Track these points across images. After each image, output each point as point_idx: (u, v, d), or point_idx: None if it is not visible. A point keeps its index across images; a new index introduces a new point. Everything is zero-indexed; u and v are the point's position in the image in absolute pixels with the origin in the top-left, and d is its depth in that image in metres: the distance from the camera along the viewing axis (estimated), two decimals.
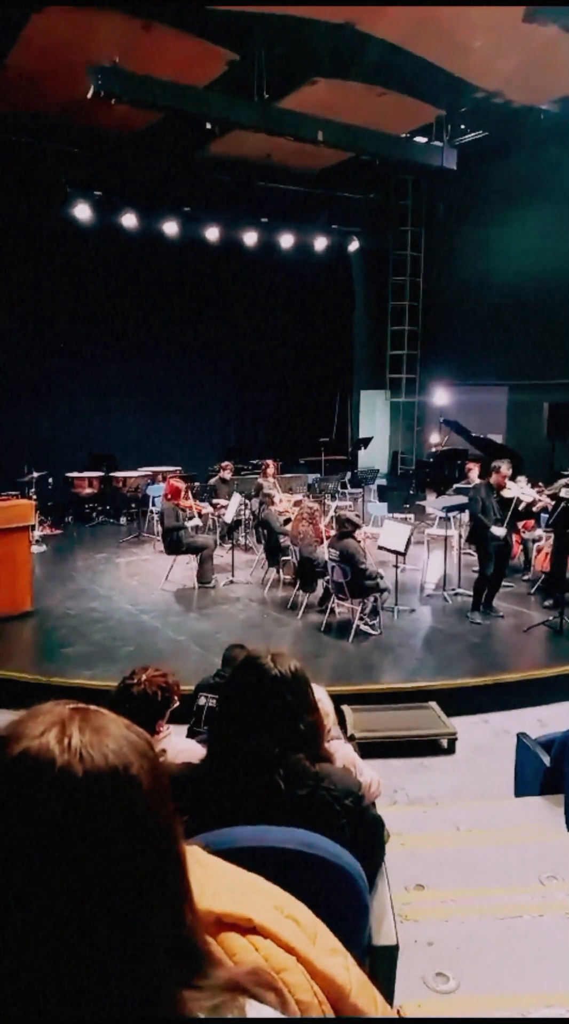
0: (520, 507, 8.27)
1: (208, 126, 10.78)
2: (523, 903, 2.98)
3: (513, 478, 8.54)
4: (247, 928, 0.94)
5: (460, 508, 9.32)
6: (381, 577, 7.70)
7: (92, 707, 0.74)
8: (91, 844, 0.65)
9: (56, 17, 8.88)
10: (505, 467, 8.02)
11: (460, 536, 9.99)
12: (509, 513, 7.92)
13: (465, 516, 10.11)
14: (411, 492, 14.73)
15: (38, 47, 9.57)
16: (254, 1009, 0.72)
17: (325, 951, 1.02)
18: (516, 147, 13.59)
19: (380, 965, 1.89)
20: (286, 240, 15.75)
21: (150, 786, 0.70)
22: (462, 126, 12.89)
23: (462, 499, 9.26)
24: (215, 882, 0.97)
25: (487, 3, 8.77)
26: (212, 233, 14.80)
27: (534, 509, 9.32)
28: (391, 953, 1.93)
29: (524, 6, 8.81)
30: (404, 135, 12.68)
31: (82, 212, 13.28)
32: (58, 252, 13.42)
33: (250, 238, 15.32)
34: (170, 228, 14.30)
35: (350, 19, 9.23)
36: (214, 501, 11.12)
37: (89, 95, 9.06)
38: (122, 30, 9.05)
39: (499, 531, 7.80)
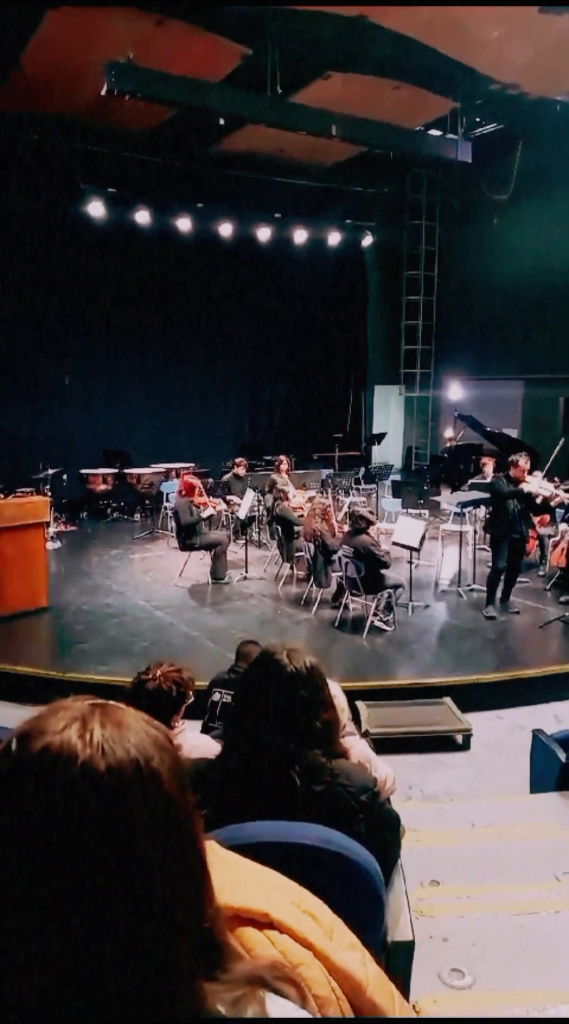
0: (537, 501, 8.23)
1: (221, 122, 10.77)
2: (539, 899, 2.97)
3: (529, 473, 8.50)
4: (264, 923, 0.95)
5: (475, 503, 9.29)
6: (388, 553, 7.69)
7: (111, 702, 0.75)
8: (114, 838, 0.65)
9: (70, 14, 8.90)
10: (523, 460, 7.96)
11: (475, 532, 9.96)
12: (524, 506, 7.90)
13: (480, 512, 10.08)
14: (425, 488, 14.68)
15: (52, 45, 9.59)
16: (274, 1003, 0.73)
17: (342, 946, 1.02)
18: (532, 139, 13.48)
19: (396, 961, 1.89)
20: (300, 235, 15.71)
21: (171, 779, 0.71)
22: (477, 119, 12.80)
23: (477, 495, 9.23)
24: (232, 877, 0.97)
25: (493, 3, 8.69)
26: (225, 229, 14.78)
27: (552, 504, 9.27)
28: (407, 949, 1.93)
29: (531, 5, 8.73)
30: (418, 128, 12.61)
31: (96, 209, 13.31)
32: (72, 249, 13.46)
33: (264, 234, 15.30)
34: (184, 224, 14.30)
35: (363, 13, 9.19)
36: (228, 497, 11.13)
37: (103, 92, 9.07)
38: (135, 26, 9.04)
39: (534, 484, 7.77)
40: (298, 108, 10.93)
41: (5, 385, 13.01)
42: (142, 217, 13.86)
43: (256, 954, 0.88)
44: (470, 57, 10.52)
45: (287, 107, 10.73)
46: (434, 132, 12.61)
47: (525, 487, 7.89)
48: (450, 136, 12.27)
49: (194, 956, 0.70)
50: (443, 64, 10.56)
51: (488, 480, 9.44)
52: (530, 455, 8.55)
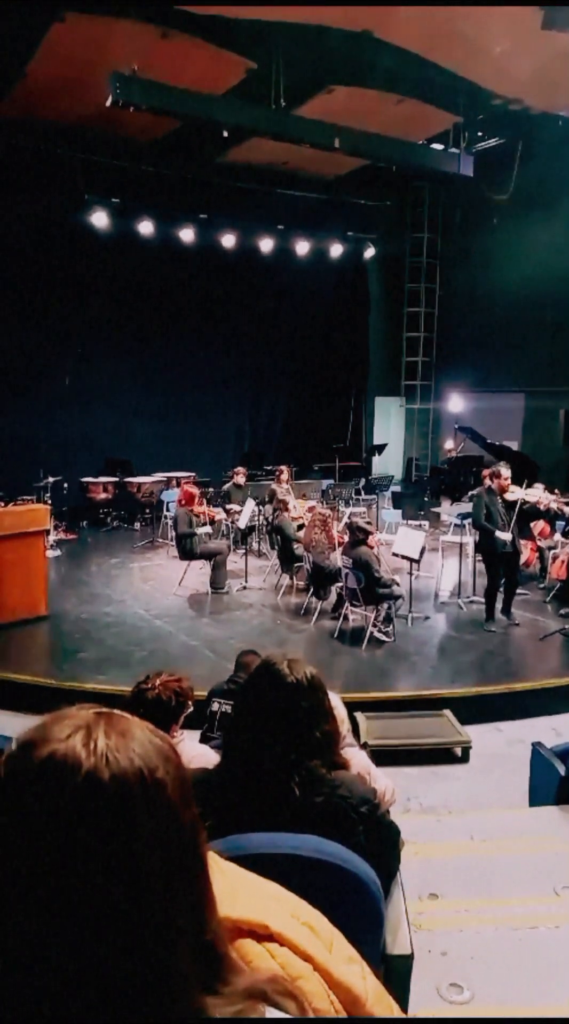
0: (525, 507, 8.24)
1: (224, 134, 10.83)
2: (538, 914, 2.96)
3: (530, 486, 8.51)
4: (264, 935, 0.94)
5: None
6: (396, 584, 7.69)
7: (116, 711, 0.75)
8: (117, 847, 0.65)
9: (75, 26, 8.97)
10: (505, 470, 7.99)
11: (475, 543, 9.95)
12: (514, 516, 7.90)
13: None
14: (426, 499, 14.69)
15: (58, 55, 9.65)
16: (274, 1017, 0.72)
17: (341, 959, 1.01)
18: (533, 154, 13.56)
19: (394, 975, 1.87)
20: (302, 247, 15.78)
21: (175, 790, 0.71)
22: (479, 133, 12.87)
23: None
24: (231, 888, 0.97)
25: (489, 3, 8.68)
26: (228, 240, 14.85)
27: (541, 508, 9.27)
28: (406, 963, 1.92)
29: (532, 6, 8.73)
30: (421, 142, 12.68)
31: (100, 219, 13.38)
32: (76, 259, 13.52)
33: (266, 245, 15.37)
34: (187, 235, 14.37)
35: (367, 27, 9.25)
36: (228, 507, 11.14)
37: (108, 103, 9.13)
38: (141, 38, 9.11)
39: (504, 535, 7.75)
40: (301, 121, 10.99)
41: (7, 393, 13.04)
42: (145, 227, 13.92)
43: (255, 966, 0.88)
44: (472, 72, 10.60)
45: (291, 120, 10.79)
46: (436, 146, 12.67)
47: (510, 496, 7.92)
48: (452, 150, 12.34)
49: (195, 968, 0.69)
50: (446, 79, 10.63)
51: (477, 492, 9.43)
52: (530, 467, 8.57)
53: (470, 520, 8.93)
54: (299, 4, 8.69)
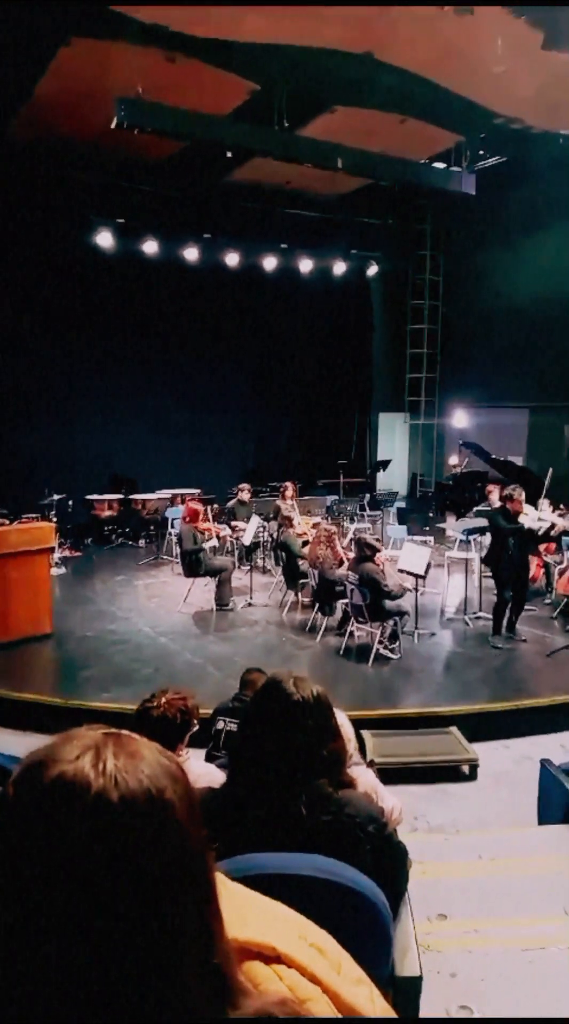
0: (540, 533, 8.25)
1: (228, 155, 10.94)
2: (548, 934, 2.93)
3: (534, 502, 8.51)
4: (271, 957, 0.93)
5: (481, 531, 9.28)
6: (407, 589, 7.67)
7: (125, 732, 0.75)
8: (126, 869, 0.65)
9: (82, 51, 9.11)
10: (518, 493, 7.99)
11: (481, 559, 9.93)
12: (538, 539, 7.92)
13: (485, 539, 10.08)
14: (431, 515, 14.68)
15: (65, 78, 9.79)
16: None
17: (350, 981, 1.00)
18: (535, 172, 13.66)
19: (403, 996, 1.85)
20: (305, 265, 15.89)
21: (183, 811, 0.71)
22: (481, 152, 12.98)
23: (482, 522, 9.23)
24: (239, 909, 0.96)
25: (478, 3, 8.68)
26: (232, 259, 14.96)
27: (552, 533, 9.27)
28: (415, 984, 1.90)
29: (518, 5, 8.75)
30: (423, 161, 12.79)
31: (105, 239, 13.49)
32: (81, 278, 13.64)
33: (270, 263, 15.48)
34: (191, 254, 14.47)
35: (369, 48, 9.36)
36: (232, 523, 11.14)
37: (113, 126, 9.23)
38: (145, 61, 9.23)
39: (533, 515, 7.77)
40: (305, 141, 11.10)
41: (12, 411, 13.11)
42: (150, 247, 14.02)
43: (264, 989, 0.87)
44: (474, 92, 10.69)
45: (294, 140, 10.89)
46: (439, 165, 12.78)
47: (523, 518, 7.91)
48: (454, 169, 12.44)
49: (203, 990, 0.69)
50: (448, 99, 10.72)
51: (490, 508, 9.44)
52: (534, 483, 8.57)
53: (485, 534, 8.94)
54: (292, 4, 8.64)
